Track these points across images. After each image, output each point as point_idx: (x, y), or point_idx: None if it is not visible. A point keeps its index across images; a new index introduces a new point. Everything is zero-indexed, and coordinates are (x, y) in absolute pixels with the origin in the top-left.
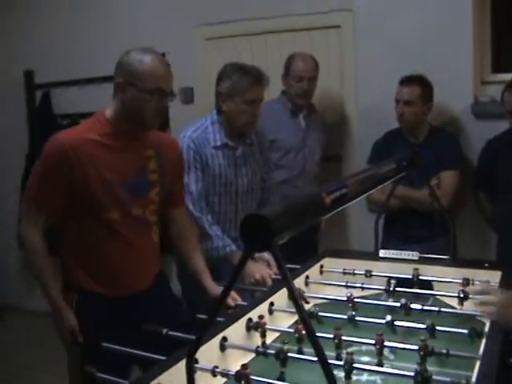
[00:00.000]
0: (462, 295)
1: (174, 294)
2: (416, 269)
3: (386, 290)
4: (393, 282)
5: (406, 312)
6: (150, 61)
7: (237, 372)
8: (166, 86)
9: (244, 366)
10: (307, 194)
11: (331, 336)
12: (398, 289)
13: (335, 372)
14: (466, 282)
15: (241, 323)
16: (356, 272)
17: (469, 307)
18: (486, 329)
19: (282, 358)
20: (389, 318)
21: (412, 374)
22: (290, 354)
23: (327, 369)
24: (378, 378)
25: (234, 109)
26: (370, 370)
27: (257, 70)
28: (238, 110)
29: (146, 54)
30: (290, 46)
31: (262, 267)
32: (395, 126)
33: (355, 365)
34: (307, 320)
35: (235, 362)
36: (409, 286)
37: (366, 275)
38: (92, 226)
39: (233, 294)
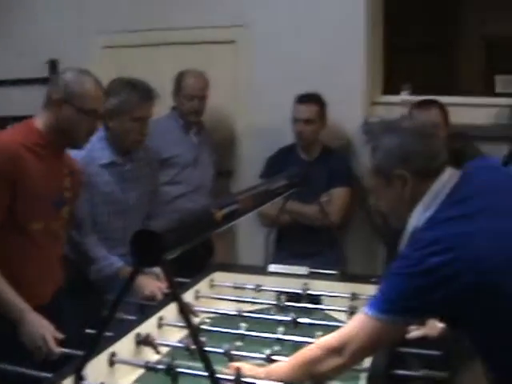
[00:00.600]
0: (349, 309)
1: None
2: (305, 283)
3: (276, 305)
4: (282, 296)
5: (295, 326)
6: (89, 83)
7: None
8: (100, 108)
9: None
10: (198, 210)
11: (221, 350)
12: (287, 303)
13: None
14: (354, 296)
15: (129, 338)
16: (246, 286)
17: None
18: None
19: (172, 373)
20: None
21: None
22: (180, 370)
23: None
24: None
25: (121, 126)
26: None
27: (146, 86)
28: (126, 128)
29: (85, 76)
30: (187, 58)
31: (152, 282)
32: (288, 143)
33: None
34: (196, 334)
35: (124, 377)
36: (298, 301)
37: (256, 289)
38: (15, 235)
39: (158, 284)
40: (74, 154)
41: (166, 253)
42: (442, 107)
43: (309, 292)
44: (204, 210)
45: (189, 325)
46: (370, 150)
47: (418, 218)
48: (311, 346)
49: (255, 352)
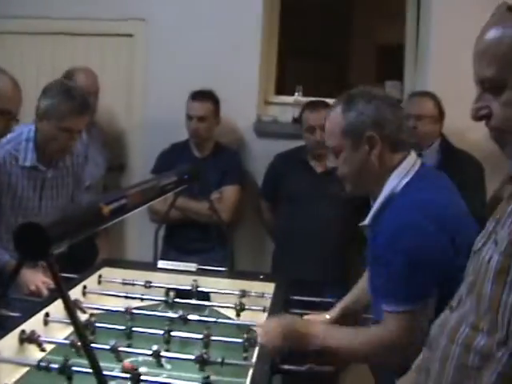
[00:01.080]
0: (238, 306)
1: None
2: (195, 280)
3: (165, 301)
4: (172, 293)
5: (184, 323)
6: (4, 82)
7: None
8: (15, 109)
9: None
10: (85, 204)
11: (108, 347)
12: (176, 300)
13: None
14: (243, 293)
15: (13, 335)
16: (134, 282)
17: (245, 318)
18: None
19: (67, 372)
20: (166, 328)
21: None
22: (75, 368)
23: (102, 380)
24: None
25: (47, 131)
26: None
27: (83, 99)
28: (52, 134)
29: (1, 75)
30: (81, 50)
31: (38, 276)
32: (182, 139)
33: (142, 377)
34: (82, 331)
35: (7, 376)
36: (187, 297)
37: (145, 286)
38: None
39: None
40: None
41: (51, 247)
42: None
43: (198, 289)
44: (91, 204)
45: (74, 322)
46: (342, 111)
47: (395, 183)
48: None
49: (143, 348)
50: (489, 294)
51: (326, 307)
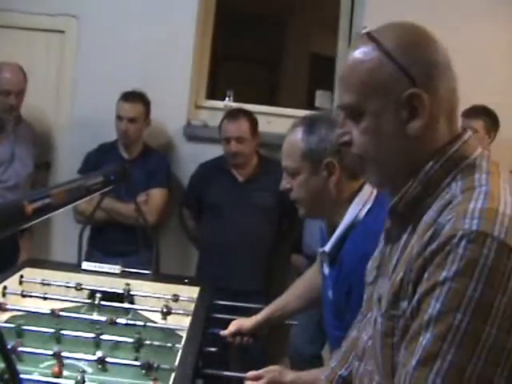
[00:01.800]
0: (164, 310)
1: None
2: (119, 282)
3: (90, 304)
4: (98, 295)
5: (112, 326)
6: None
7: None
8: None
9: None
10: (7, 202)
11: (50, 352)
12: (101, 302)
13: None
14: (168, 296)
15: None
16: (58, 283)
17: (170, 321)
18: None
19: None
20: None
21: None
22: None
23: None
24: None
25: None
26: None
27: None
28: None
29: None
30: (8, 44)
31: None
32: (110, 139)
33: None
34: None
35: None
36: (111, 299)
37: (68, 287)
38: None
39: None
40: None
41: None
42: (250, 118)
43: (122, 291)
44: (14, 203)
45: None
46: (303, 134)
47: (357, 211)
48: None
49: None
50: (381, 359)
51: (249, 313)
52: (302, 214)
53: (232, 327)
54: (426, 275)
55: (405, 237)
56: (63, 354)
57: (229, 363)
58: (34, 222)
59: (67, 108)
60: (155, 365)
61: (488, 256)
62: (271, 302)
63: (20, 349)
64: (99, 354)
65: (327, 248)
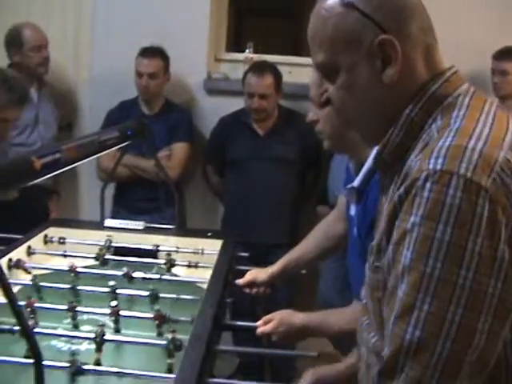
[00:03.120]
0: (187, 263)
1: None
2: (141, 238)
3: (113, 260)
4: (122, 252)
5: (129, 280)
6: None
7: None
8: None
9: None
10: (15, 157)
11: (63, 307)
12: (125, 258)
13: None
14: (193, 250)
15: None
16: (81, 242)
17: (193, 275)
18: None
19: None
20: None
21: (164, 342)
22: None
23: (31, 339)
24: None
25: None
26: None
27: (23, 91)
28: None
29: None
30: (24, 4)
31: None
32: (131, 96)
33: (107, 337)
34: (8, 288)
35: None
36: (135, 256)
37: (91, 245)
38: None
39: None
40: None
41: None
42: (275, 73)
43: (145, 247)
44: (22, 157)
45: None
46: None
47: None
48: None
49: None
50: (372, 314)
51: (276, 258)
52: (327, 146)
53: (247, 277)
54: (396, 223)
55: (392, 187)
56: (79, 308)
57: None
58: (43, 178)
59: (86, 67)
60: (171, 316)
61: (454, 196)
62: None
63: (36, 305)
64: (113, 303)
65: (356, 183)
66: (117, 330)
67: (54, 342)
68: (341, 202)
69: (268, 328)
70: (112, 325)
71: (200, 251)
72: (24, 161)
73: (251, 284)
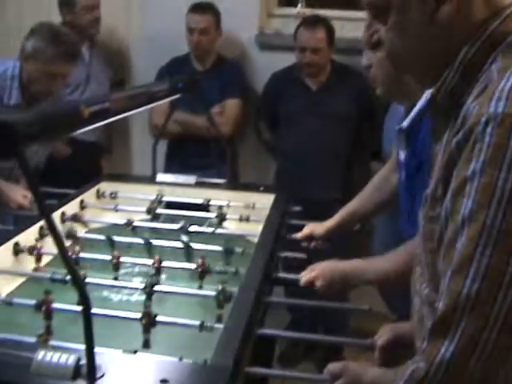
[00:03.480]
0: (239, 217)
1: None
2: (193, 193)
3: (165, 214)
4: (174, 205)
5: (184, 234)
6: None
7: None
8: None
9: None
10: (63, 104)
11: (107, 258)
12: (177, 212)
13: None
14: (244, 204)
15: (6, 248)
16: (133, 196)
17: (244, 229)
18: None
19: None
20: (184, 239)
21: (214, 293)
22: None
23: (80, 287)
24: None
25: (32, 73)
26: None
27: (72, 47)
28: (36, 77)
29: None
30: None
31: (17, 191)
32: (182, 53)
33: (156, 287)
34: (60, 238)
35: (2, 287)
36: (187, 210)
37: (143, 199)
38: None
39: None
40: None
41: (21, 144)
42: (327, 27)
43: (197, 201)
44: (70, 105)
45: (50, 228)
46: None
47: None
48: None
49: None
50: (424, 265)
51: (330, 213)
52: (381, 92)
53: (305, 231)
54: (454, 172)
55: (447, 134)
56: (131, 260)
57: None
58: (91, 127)
59: (138, 24)
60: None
61: None
62: None
63: (92, 256)
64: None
65: (405, 123)
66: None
67: (106, 293)
68: (395, 154)
69: (311, 275)
70: (163, 276)
71: (251, 205)
72: (72, 108)
73: (308, 238)
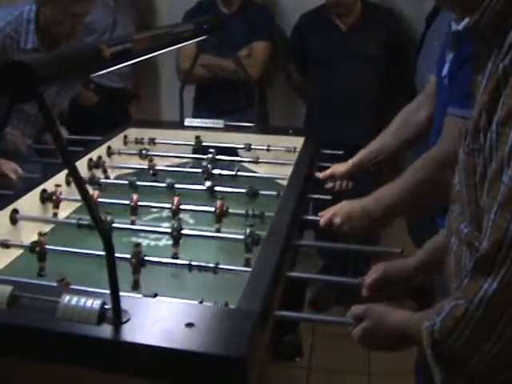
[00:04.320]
0: (268, 160)
1: None
2: (224, 136)
3: (194, 158)
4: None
5: (207, 177)
6: None
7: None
8: None
9: (41, 234)
10: (83, 45)
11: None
12: (205, 156)
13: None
14: (271, 147)
15: (33, 195)
16: (161, 141)
17: (273, 171)
18: None
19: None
20: (208, 184)
21: (242, 236)
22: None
23: (103, 231)
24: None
25: (52, 16)
26: (191, 235)
27: None
28: (56, 19)
29: None
30: None
31: (5, 163)
32: None
33: (184, 231)
34: (82, 184)
35: (30, 234)
36: (217, 153)
37: (172, 144)
38: None
39: (12, 165)
40: None
41: (40, 86)
42: None
43: (226, 145)
44: (90, 45)
45: (75, 178)
46: None
47: None
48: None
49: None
50: (465, 201)
51: None
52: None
53: (327, 171)
54: (501, 100)
55: (491, 62)
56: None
57: None
58: (112, 68)
59: None
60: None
61: None
62: None
63: (119, 201)
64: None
65: (461, 26)
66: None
67: (134, 239)
68: (430, 85)
69: (329, 213)
70: (190, 221)
71: (280, 148)
72: (92, 48)
73: (331, 178)
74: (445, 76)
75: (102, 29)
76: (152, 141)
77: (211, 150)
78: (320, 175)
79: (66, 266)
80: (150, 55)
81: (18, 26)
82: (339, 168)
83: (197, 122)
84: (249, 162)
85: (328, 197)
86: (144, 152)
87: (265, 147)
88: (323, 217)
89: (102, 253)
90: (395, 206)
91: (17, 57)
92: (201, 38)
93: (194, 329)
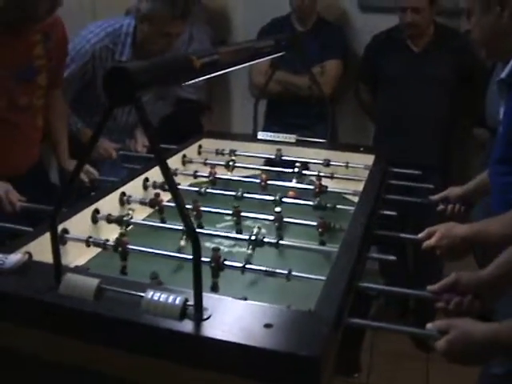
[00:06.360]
0: (338, 176)
1: (51, 182)
2: (295, 151)
3: (265, 170)
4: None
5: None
6: None
7: (115, 240)
8: None
9: (122, 234)
10: (177, 55)
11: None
12: (276, 169)
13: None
14: (344, 164)
15: (113, 197)
16: (234, 152)
17: (344, 187)
18: None
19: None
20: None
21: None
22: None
23: (192, 236)
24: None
25: (147, 34)
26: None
27: (187, 6)
28: (151, 38)
29: None
30: None
31: (106, 142)
32: (283, 13)
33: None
34: (177, 193)
35: (109, 234)
36: (286, 167)
37: (244, 156)
38: None
39: (88, 168)
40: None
41: (138, 90)
42: None
43: (296, 159)
44: (183, 56)
45: (169, 183)
46: None
47: None
48: None
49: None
50: None
51: (425, 179)
52: (483, 55)
53: (442, 193)
54: None
55: None
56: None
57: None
58: (202, 78)
59: None
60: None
61: None
62: (450, 177)
63: (202, 208)
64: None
65: (504, 74)
66: (279, 237)
67: (222, 247)
68: None
69: (432, 241)
70: (275, 231)
71: (350, 165)
72: (185, 59)
73: (444, 200)
74: (499, 122)
75: (178, 42)
76: (233, 152)
77: (298, 165)
78: (435, 197)
79: (145, 266)
80: (234, 68)
81: (116, 38)
82: (455, 190)
83: (269, 136)
84: (325, 177)
85: (393, 213)
86: (231, 164)
87: (335, 163)
88: (426, 243)
89: (180, 255)
90: (500, 241)
91: (116, 63)
92: (278, 54)
93: (273, 329)
